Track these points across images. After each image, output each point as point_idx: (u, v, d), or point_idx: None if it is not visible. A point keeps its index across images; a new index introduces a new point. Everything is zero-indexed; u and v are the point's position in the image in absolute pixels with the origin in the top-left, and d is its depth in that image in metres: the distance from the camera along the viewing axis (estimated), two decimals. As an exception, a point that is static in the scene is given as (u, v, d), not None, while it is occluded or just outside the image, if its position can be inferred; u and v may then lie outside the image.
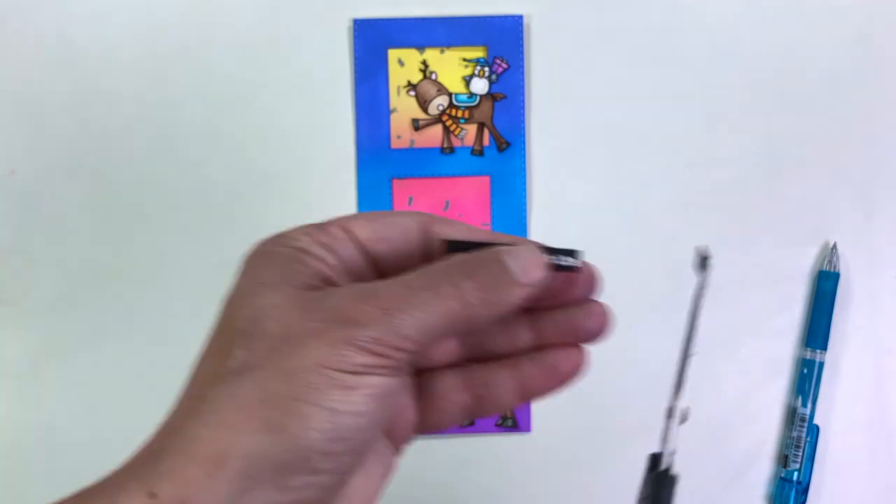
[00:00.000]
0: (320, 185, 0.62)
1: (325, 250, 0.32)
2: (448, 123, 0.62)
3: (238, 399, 0.28)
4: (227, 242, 0.61)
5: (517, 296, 0.31)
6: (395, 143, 0.61)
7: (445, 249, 0.32)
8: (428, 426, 0.36)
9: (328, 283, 0.31)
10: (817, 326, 0.61)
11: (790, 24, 0.63)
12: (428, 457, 0.62)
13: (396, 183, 0.61)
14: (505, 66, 0.61)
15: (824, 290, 0.61)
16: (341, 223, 0.33)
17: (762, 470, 0.63)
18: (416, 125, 0.62)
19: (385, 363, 0.29)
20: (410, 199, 0.61)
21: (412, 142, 0.62)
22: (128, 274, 0.61)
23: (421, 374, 0.35)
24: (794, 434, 0.61)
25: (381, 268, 0.33)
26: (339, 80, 0.62)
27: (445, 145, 0.62)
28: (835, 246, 0.62)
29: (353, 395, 0.29)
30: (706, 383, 0.62)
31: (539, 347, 0.36)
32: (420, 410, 0.35)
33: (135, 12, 0.62)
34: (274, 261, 0.31)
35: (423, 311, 0.29)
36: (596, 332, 0.36)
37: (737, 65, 0.63)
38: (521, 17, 0.61)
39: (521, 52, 0.61)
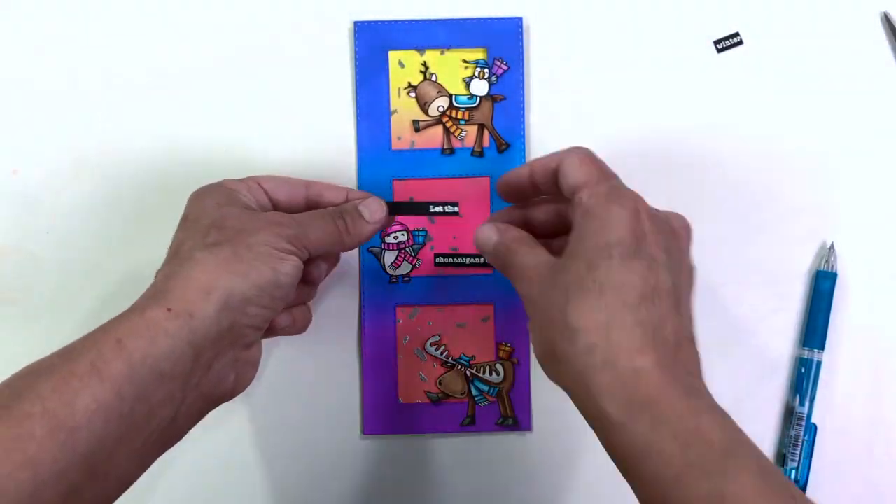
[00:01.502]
0: (321, 185, 0.62)
1: (248, 192, 0.52)
2: (448, 125, 0.62)
3: (218, 257, 0.47)
4: (228, 243, 0.62)
5: (368, 229, 0.55)
6: (396, 145, 0.62)
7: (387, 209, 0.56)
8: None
9: (250, 209, 0.52)
10: (815, 326, 0.62)
11: (790, 24, 0.63)
12: (428, 456, 0.62)
13: (397, 184, 0.62)
14: (505, 67, 0.62)
15: (822, 289, 0.62)
16: (257, 180, 0.54)
17: (760, 469, 0.63)
18: (417, 126, 0.62)
19: (298, 252, 0.50)
20: (411, 200, 0.62)
21: (413, 143, 0.62)
22: (128, 274, 0.62)
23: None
24: (792, 433, 0.61)
25: (276, 205, 0.54)
26: (340, 82, 0.62)
27: (446, 146, 0.62)
28: (832, 246, 0.62)
29: (284, 263, 0.49)
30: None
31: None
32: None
33: (135, 13, 0.62)
34: (220, 192, 0.52)
35: (318, 229, 0.52)
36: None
37: (737, 64, 0.63)
38: (520, 18, 0.62)
39: (521, 54, 0.62)
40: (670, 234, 0.47)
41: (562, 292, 0.44)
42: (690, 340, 0.44)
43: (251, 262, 0.47)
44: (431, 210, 0.59)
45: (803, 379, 0.61)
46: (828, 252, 0.62)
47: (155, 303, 0.45)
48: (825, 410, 0.62)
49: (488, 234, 0.51)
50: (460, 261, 0.62)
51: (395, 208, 0.57)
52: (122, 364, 0.43)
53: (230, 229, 0.48)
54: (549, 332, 0.44)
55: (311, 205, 0.55)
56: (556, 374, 0.45)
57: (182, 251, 0.48)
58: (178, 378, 0.45)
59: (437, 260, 0.62)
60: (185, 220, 0.51)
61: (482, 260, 0.61)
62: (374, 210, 0.55)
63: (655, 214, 0.46)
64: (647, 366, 0.41)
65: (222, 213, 0.49)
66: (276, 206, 0.54)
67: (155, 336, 0.44)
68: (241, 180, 0.53)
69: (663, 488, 0.39)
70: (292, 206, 0.55)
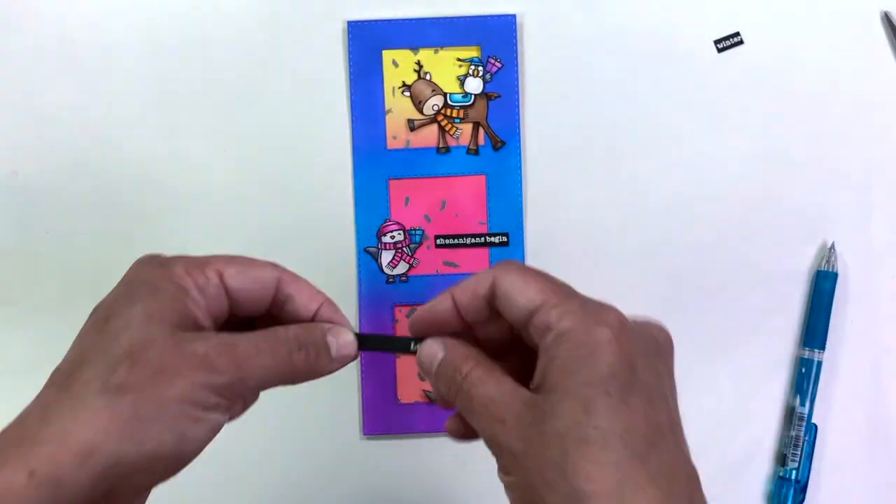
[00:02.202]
0: (318, 185, 0.62)
1: (199, 293, 0.40)
2: (443, 123, 0.62)
3: (114, 411, 0.36)
4: (227, 242, 0.62)
5: (332, 367, 0.42)
6: (391, 144, 0.62)
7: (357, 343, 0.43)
8: None
9: (195, 323, 0.39)
10: (815, 326, 0.61)
11: (789, 23, 0.63)
12: (428, 456, 0.62)
13: (393, 183, 0.62)
14: (499, 65, 0.61)
15: (822, 289, 0.61)
16: (217, 267, 0.41)
17: (760, 469, 0.62)
18: (412, 125, 0.62)
19: (227, 404, 0.38)
20: (407, 200, 0.62)
21: (408, 142, 0.62)
22: (128, 274, 0.62)
23: None
24: (793, 433, 0.61)
25: (236, 309, 0.42)
26: (335, 82, 0.62)
27: (441, 145, 0.62)
28: (833, 246, 0.61)
29: (197, 427, 0.37)
30: (705, 383, 0.62)
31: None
32: None
33: (134, 14, 0.62)
34: (161, 294, 0.39)
35: (264, 370, 0.39)
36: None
37: (735, 64, 0.62)
38: (513, 16, 0.61)
39: (515, 51, 0.61)
40: (655, 352, 0.39)
41: (556, 444, 0.35)
42: (696, 477, 0.37)
43: (152, 424, 0.36)
44: (404, 348, 0.44)
45: (804, 379, 0.61)
46: (828, 252, 0.61)
47: (17, 457, 0.35)
48: (826, 411, 0.62)
49: (434, 350, 0.41)
50: (460, 241, 0.61)
51: (363, 342, 0.44)
52: None
53: (145, 368, 0.36)
54: (541, 493, 0.35)
55: (276, 311, 0.43)
56: None
57: (77, 382, 0.37)
58: None
59: (438, 242, 0.62)
60: (104, 319, 0.39)
61: (482, 240, 0.61)
62: (343, 345, 0.42)
63: (636, 329, 0.38)
64: None
65: (146, 335, 0.37)
66: (232, 307, 0.41)
67: None
68: (200, 266, 0.40)
69: None
70: (252, 307, 0.42)
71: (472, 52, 0.62)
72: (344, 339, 0.42)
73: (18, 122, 0.62)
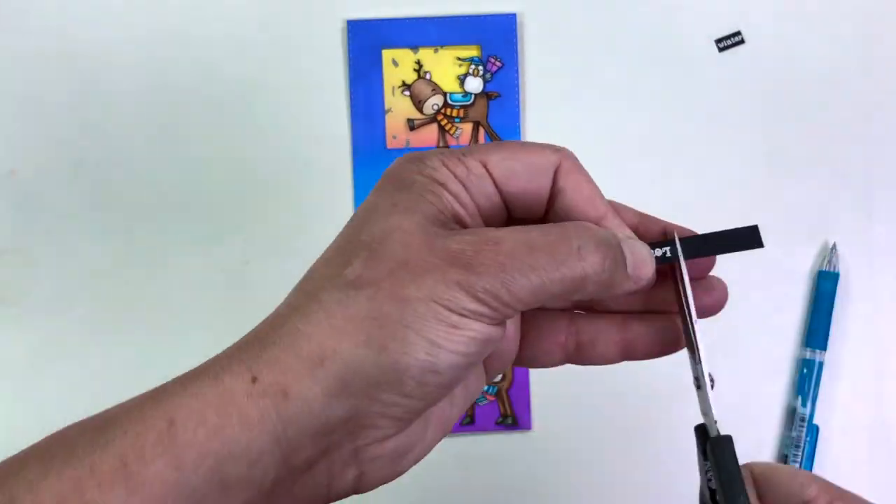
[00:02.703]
0: (318, 185, 0.62)
1: (460, 186, 0.32)
2: (443, 123, 0.62)
3: (349, 309, 0.29)
4: (227, 242, 0.62)
5: (626, 288, 0.32)
6: (391, 144, 0.62)
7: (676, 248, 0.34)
8: (525, 361, 0.37)
9: (457, 219, 0.32)
10: (817, 326, 0.61)
11: (789, 23, 0.62)
12: (428, 456, 0.62)
13: (393, 183, 0.61)
14: (499, 64, 0.61)
15: (824, 290, 0.61)
16: (481, 157, 0.33)
17: (762, 470, 0.62)
18: (412, 125, 0.62)
19: (492, 314, 0.30)
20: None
21: (408, 142, 0.62)
22: (127, 274, 0.62)
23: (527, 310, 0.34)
24: (794, 434, 0.61)
25: (508, 203, 0.34)
26: (334, 82, 0.62)
27: (441, 144, 0.62)
28: (834, 246, 0.61)
29: (456, 335, 0.29)
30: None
31: (649, 311, 0.36)
32: (521, 344, 0.36)
33: (134, 14, 0.62)
34: (411, 187, 0.32)
35: (539, 276, 0.30)
36: (713, 307, 0.36)
37: (735, 63, 0.62)
38: (514, 15, 0.61)
39: (515, 51, 0.61)
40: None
41: None
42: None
43: (394, 327, 0.29)
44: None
45: (805, 380, 0.61)
46: (829, 252, 0.61)
47: (239, 363, 0.30)
48: (827, 411, 0.62)
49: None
50: None
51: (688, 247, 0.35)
52: (165, 466, 0.28)
53: (386, 261, 0.30)
54: None
55: (557, 207, 0.34)
56: None
57: (313, 278, 0.32)
58: (253, 487, 0.29)
59: None
60: (353, 218, 0.34)
61: None
62: (639, 260, 0.33)
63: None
64: None
65: (390, 225, 0.31)
66: (508, 204, 0.34)
67: (224, 423, 0.28)
68: (459, 156, 0.32)
69: None
70: (527, 203, 0.34)
71: (472, 52, 0.62)
72: (640, 253, 0.33)
73: (17, 122, 0.62)
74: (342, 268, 0.31)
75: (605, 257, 0.31)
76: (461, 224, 0.32)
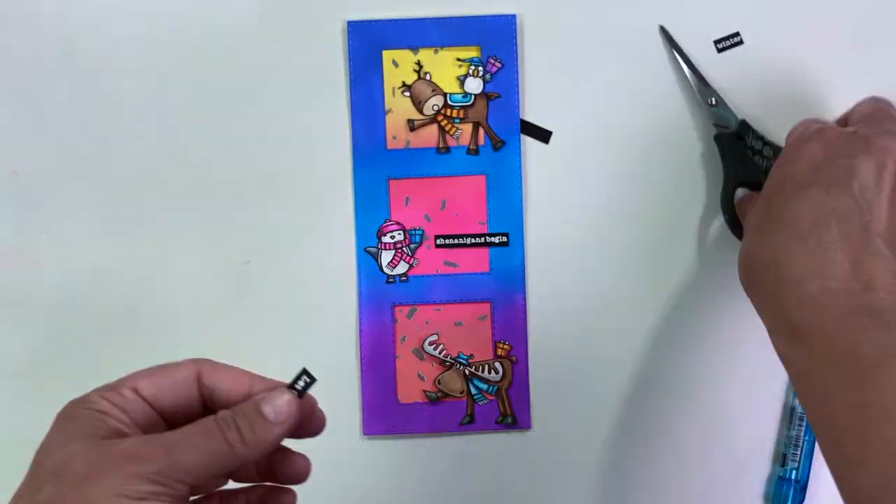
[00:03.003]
0: (318, 186, 0.62)
1: (119, 411, 0.40)
2: (443, 123, 0.62)
3: None
4: (227, 242, 0.62)
5: (276, 432, 0.40)
6: (391, 144, 0.62)
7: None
8: None
9: (122, 435, 0.39)
10: (816, 325, 0.61)
11: (788, 24, 0.62)
12: (428, 456, 0.62)
13: (393, 183, 0.62)
14: (499, 65, 0.61)
15: (823, 288, 0.61)
16: (132, 384, 0.41)
17: (761, 469, 0.62)
18: (412, 125, 0.62)
19: (168, 492, 0.37)
20: (407, 199, 0.62)
21: (408, 142, 0.62)
22: (128, 274, 0.62)
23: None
24: (793, 433, 0.61)
25: (167, 416, 0.41)
26: (335, 82, 0.62)
27: (441, 145, 0.62)
28: (833, 244, 0.61)
29: None
30: (705, 382, 0.62)
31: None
32: None
33: (134, 14, 0.62)
34: (79, 420, 0.39)
35: (198, 452, 0.38)
36: (295, 479, 0.46)
37: (735, 64, 0.62)
38: (513, 16, 0.61)
39: (515, 51, 0.61)
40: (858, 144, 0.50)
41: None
42: (875, 254, 0.46)
43: None
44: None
45: (804, 379, 0.61)
46: (828, 251, 0.61)
47: None
48: (826, 411, 0.61)
49: None
50: (460, 241, 0.62)
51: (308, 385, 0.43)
52: None
53: (70, 477, 0.37)
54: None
55: (207, 403, 0.43)
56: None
57: None
58: None
59: (438, 242, 0.62)
60: (33, 461, 0.40)
61: (482, 240, 0.61)
62: (279, 406, 0.41)
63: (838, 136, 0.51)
64: (811, 294, 0.46)
65: (67, 452, 0.38)
66: (164, 418, 0.42)
67: None
68: (113, 388, 0.41)
69: (812, 410, 0.47)
70: (183, 412, 0.42)
71: (472, 52, 0.62)
72: (279, 402, 0.41)
73: (18, 123, 0.62)
74: (35, 494, 0.37)
75: (241, 428, 0.39)
76: (125, 437, 0.39)
